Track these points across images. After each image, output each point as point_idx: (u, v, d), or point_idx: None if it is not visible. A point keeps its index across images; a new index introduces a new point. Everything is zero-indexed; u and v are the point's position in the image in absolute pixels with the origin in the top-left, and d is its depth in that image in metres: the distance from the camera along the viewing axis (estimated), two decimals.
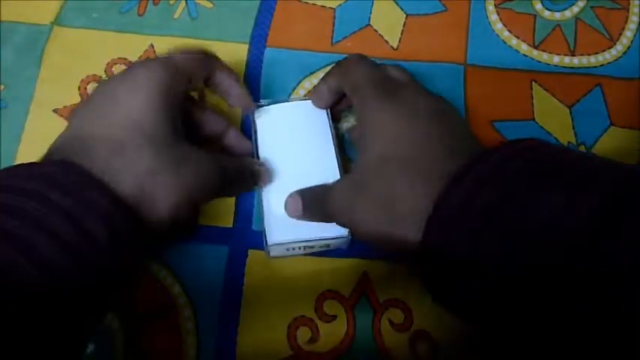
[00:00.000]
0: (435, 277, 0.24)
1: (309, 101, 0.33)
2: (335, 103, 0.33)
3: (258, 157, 0.32)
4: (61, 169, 0.23)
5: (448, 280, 0.23)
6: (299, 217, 0.30)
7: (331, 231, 0.30)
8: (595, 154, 0.23)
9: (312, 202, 0.29)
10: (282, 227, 0.30)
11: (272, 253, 0.31)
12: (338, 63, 0.32)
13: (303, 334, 0.31)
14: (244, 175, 0.30)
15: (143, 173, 0.24)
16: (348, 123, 0.34)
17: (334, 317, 0.31)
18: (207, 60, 0.30)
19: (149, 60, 0.28)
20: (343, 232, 0.30)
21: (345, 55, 0.30)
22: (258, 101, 0.34)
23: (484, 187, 0.21)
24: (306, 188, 0.30)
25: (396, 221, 0.24)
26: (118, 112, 0.25)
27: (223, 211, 0.33)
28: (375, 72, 0.29)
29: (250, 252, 0.32)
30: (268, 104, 0.34)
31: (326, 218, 0.29)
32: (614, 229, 0.18)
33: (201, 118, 0.31)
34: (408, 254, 0.24)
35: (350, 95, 0.30)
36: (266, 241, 0.30)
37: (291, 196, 0.30)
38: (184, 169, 0.25)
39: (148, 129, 0.25)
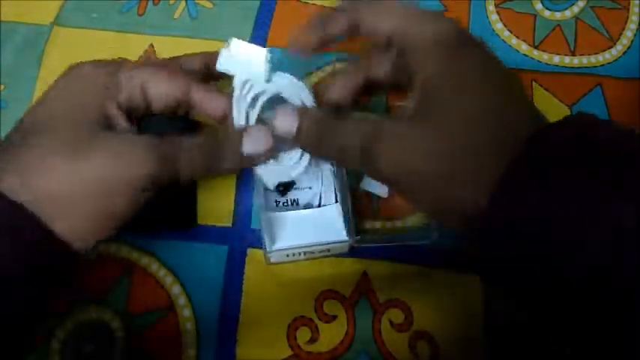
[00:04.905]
0: (494, 253, 0.22)
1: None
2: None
3: None
4: None
5: (508, 257, 0.21)
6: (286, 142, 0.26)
7: (331, 235, 0.30)
8: None
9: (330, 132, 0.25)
10: (282, 233, 0.30)
11: (272, 260, 0.31)
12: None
13: (303, 334, 0.31)
14: (212, 147, 0.26)
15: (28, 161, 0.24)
16: None
17: (334, 317, 0.31)
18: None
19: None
20: (343, 236, 0.30)
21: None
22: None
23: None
24: (323, 113, 0.26)
25: (467, 182, 0.22)
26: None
27: (223, 211, 0.33)
28: None
29: (250, 251, 0.32)
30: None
31: (349, 158, 0.25)
32: None
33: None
34: (462, 226, 0.22)
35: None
36: (265, 247, 0.30)
37: (289, 110, 0.26)
38: (87, 154, 0.24)
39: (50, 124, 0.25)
